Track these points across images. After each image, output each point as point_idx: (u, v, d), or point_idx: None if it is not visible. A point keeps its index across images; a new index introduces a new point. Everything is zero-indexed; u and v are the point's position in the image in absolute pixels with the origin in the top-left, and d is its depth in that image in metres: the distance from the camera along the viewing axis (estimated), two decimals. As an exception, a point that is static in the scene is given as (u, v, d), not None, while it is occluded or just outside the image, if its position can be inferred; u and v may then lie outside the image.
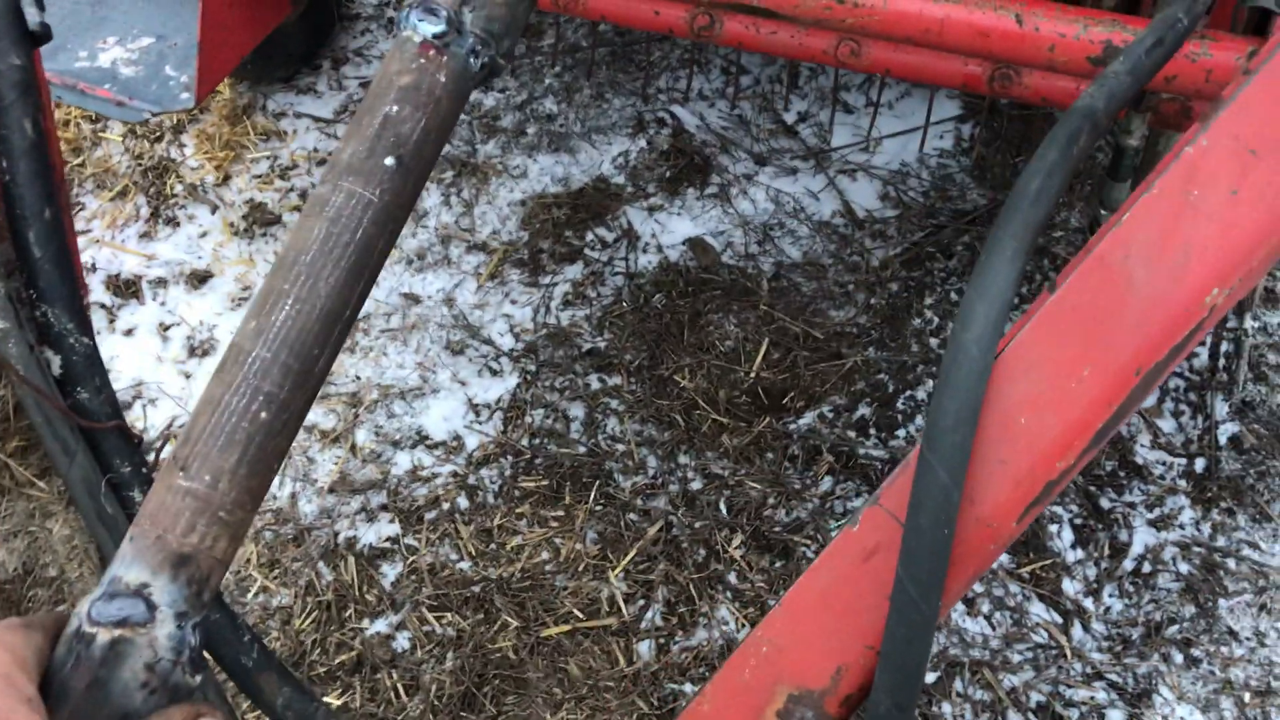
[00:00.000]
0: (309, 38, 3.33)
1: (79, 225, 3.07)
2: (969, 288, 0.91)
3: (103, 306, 2.93)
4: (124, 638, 0.81)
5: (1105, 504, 2.63)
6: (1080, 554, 2.56)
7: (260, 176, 3.19)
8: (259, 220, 3.10)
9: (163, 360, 2.85)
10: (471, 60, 1.03)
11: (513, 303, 2.95)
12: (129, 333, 2.89)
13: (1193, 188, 0.89)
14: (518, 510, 2.61)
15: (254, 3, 2.48)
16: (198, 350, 2.87)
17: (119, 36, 2.46)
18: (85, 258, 2.99)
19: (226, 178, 3.19)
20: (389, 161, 0.97)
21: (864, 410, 2.76)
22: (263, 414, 0.90)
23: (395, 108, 0.99)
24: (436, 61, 1.00)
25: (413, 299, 2.96)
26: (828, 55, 1.99)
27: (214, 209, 3.13)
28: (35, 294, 1.21)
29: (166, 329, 2.91)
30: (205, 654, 0.95)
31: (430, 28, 1.00)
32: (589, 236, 3.07)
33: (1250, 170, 0.89)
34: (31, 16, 1.22)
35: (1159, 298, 0.89)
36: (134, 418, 2.73)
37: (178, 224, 3.10)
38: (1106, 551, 2.56)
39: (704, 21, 2.02)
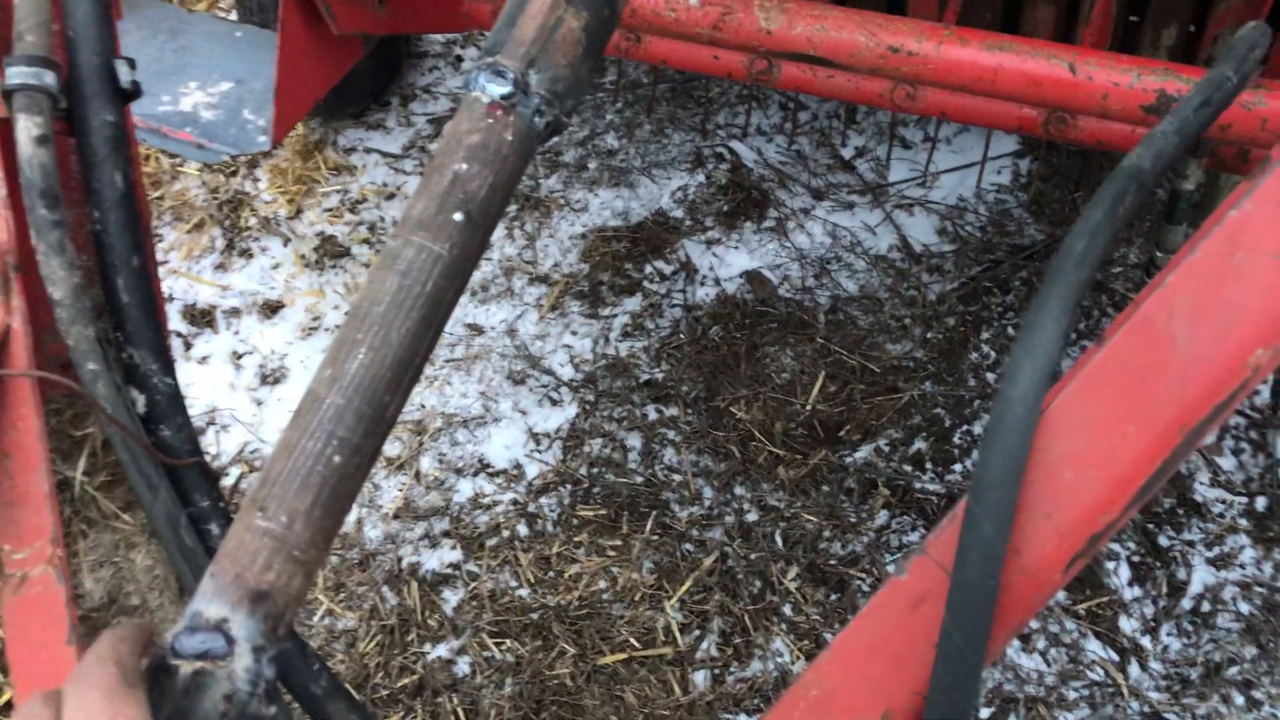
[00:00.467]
0: (379, 75, 3.42)
1: (157, 256, 3.18)
2: (1015, 345, 0.93)
3: (179, 335, 3.02)
4: (205, 670, 0.85)
5: (1164, 541, 2.61)
6: (1138, 591, 2.55)
7: (331, 210, 3.28)
8: (329, 252, 3.18)
9: (235, 388, 2.94)
10: (536, 119, 1.07)
11: (573, 334, 3.00)
12: (203, 360, 2.99)
13: (1237, 250, 0.91)
14: (576, 539, 2.65)
15: (329, 49, 2.56)
16: (269, 378, 2.96)
17: (200, 81, 2.57)
18: (163, 288, 3.10)
19: (298, 211, 3.28)
20: (458, 217, 1.01)
21: (920, 444, 2.77)
22: (336, 458, 0.95)
23: (464, 165, 1.03)
24: (503, 121, 1.04)
25: (476, 329, 3.02)
26: (884, 99, 2.02)
27: (286, 241, 3.22)
28: (122, 337, 1.28)
29: (239, 357, 3.00)
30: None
31: (498, 89, 1.04)
32: (648, 269, 3.12)
33: (1293, 234, 0.90)
34: (124, 75, 1.29)
35: (1202, 358, 0.90)
36: (207, 443, 2.82)
37: (251, 255, 3.20)
38: (1165, 590, 2.55)
39: (762, 66, 2.06)
